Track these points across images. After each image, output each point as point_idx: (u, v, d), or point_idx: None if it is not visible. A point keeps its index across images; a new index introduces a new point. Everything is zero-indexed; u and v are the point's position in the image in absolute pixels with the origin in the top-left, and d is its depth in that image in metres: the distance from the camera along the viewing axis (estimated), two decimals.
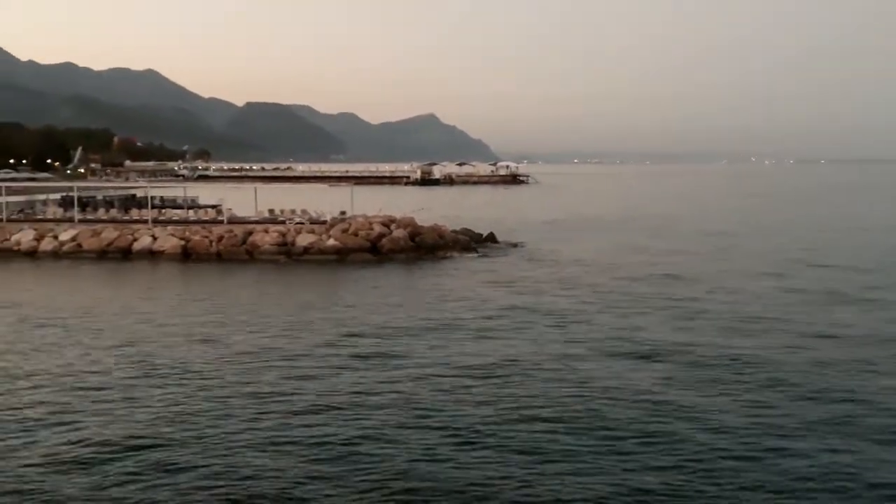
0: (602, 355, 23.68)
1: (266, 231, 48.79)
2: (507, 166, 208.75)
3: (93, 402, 18.97)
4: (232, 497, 13.79)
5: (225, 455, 15.56)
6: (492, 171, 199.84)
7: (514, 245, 53.26)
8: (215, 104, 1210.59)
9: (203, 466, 15.01)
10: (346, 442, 16.36)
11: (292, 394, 19.60)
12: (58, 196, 69.28)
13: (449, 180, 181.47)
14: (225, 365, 22.37)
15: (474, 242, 52.22)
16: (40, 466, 15.06)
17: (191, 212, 59.05)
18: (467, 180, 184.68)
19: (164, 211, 58.84)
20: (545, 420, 17.76)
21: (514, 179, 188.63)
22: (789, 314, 29.93)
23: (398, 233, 49.02)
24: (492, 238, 54.37)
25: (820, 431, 17.24)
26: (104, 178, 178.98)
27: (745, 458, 15.73)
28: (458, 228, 54.48)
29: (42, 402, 18.86)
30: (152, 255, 47.62)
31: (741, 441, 16.60)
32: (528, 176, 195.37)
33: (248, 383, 20.53)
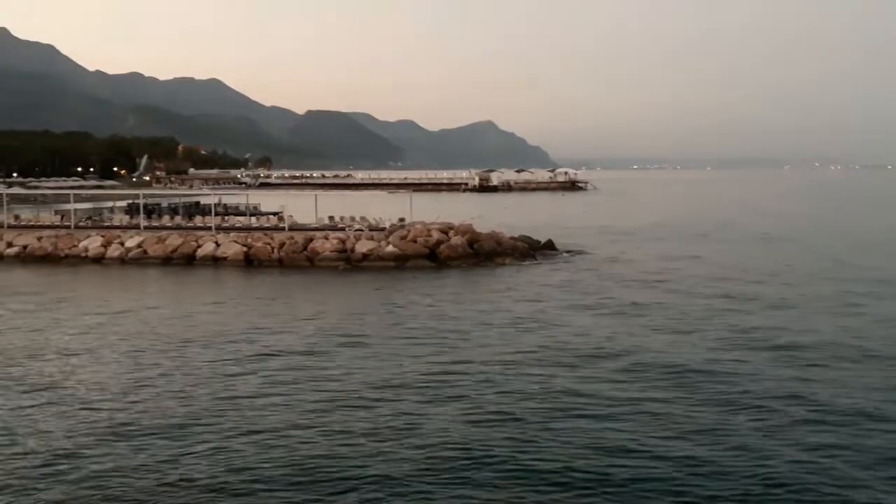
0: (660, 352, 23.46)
1: (326, 238, 49.29)
2: (566, 173, 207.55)
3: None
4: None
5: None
6: (550, 178, 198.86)
7: (574, 252, 52.98)
8: (277, 112, 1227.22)
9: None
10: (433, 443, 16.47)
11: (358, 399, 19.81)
12: (124, 203, 71.06)
13: (507, 187, 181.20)
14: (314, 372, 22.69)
15: (533, 249, 52.09)
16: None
17: (253, 219, 59.94)
18: (525, 187, 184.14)
19: (226, 218, 59.80)
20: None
21: (572, 186, 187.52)
22: None
23: (456, 240, 49.13)
24: (550, 245, 54.16)
25: None
26: (169, 185, 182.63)
27: None
28: (516, 235, 54.37)
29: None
30: (215, 261, 48.46)
31: None
32: (586, 182, 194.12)
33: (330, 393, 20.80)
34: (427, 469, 15.35)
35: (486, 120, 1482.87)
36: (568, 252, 52.96)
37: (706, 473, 15.18)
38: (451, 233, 50.21)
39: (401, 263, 46.68)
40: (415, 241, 48.59)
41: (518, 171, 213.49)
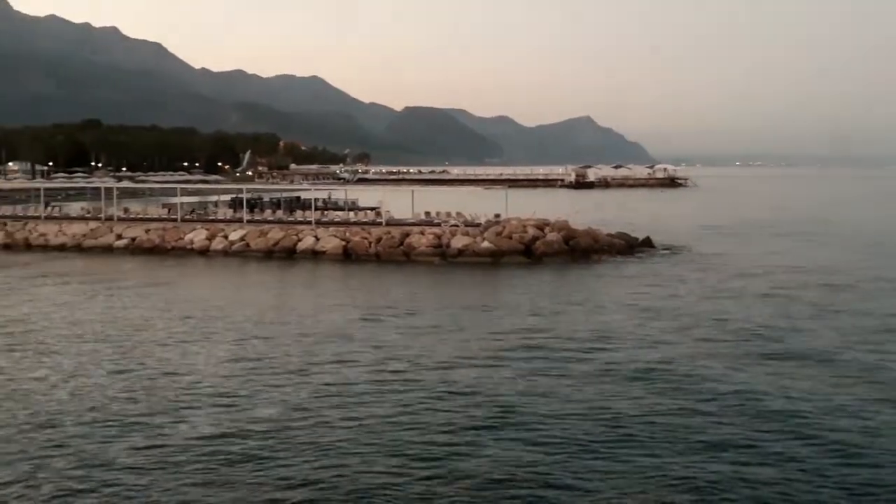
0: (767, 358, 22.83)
1: (422, 233, 49.63)
2: (665, 169, 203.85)
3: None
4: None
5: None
6: (649, 174, 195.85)
7: (673, 250, 52.02)
8: (375, 109, 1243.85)
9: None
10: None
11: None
12: (228, 198, 72.97)
13: (604, 183, 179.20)
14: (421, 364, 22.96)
15: (630, 247, 51.36)
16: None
17: (351, 213, 60.75)
18: (623, 183, 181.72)
19: (326, 212, 60.77)
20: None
21: (671, 183, 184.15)
22: None
23: (552, 236, 48.84)
24: (648, 242, 53.27)
25: None
26: (270, 180, 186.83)
27: None
28: (613, 232, 53.71)
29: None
30: (315, 254, 49.34)
31: None
32: (686, 179, 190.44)
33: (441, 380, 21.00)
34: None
35: (583, 115, 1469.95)
36: (667, 249, 52.01)
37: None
38: (547, 229, 49.95)
39: (496, 259, 46.66)
40: (510, 237, 48.51)
41: (616, 168, 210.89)
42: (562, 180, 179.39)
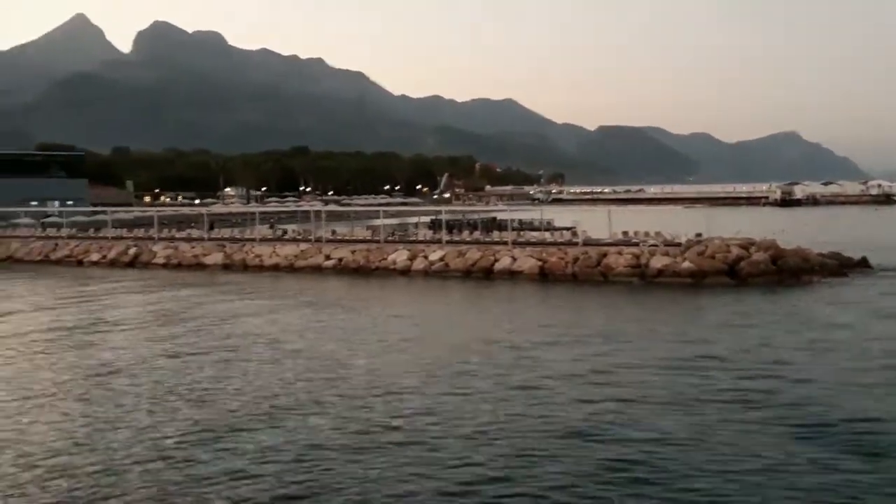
0: None
1: (620, 253, 48.99)
2: (880, 185, 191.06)
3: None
4: None
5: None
6: (861, 191, 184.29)
7: (894, 271, 48.52)
8: (569, 129, 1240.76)
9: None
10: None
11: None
12: (427, 219, 75.17)
13: (812, 201, 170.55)
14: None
15: (844, 267, 48.44)
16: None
17: (547, 234, 60.88)
18: (833, 201, 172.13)
19: (522, 233, 61.28)
20: None
21: (887, 199, 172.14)
22: None
23: (758, 256, 46.86)
24: (865, 263, 50.02)
25: None
26: (467, 202, 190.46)
27: None
28: (824, 252, 50.85)
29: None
30: (511, 275, 49.76)
31: None
32: None
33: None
34: None
35: (789, 130, 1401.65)
36: (885, 270, 48.58)
37: None
38: (753, 248, 48.00)
39: (697, 280, 45.33)
40: (713, 257, 46.98)
41: (825, 184, 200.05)
42: (766, 198, 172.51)
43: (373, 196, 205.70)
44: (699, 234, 51.66)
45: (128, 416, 19.95)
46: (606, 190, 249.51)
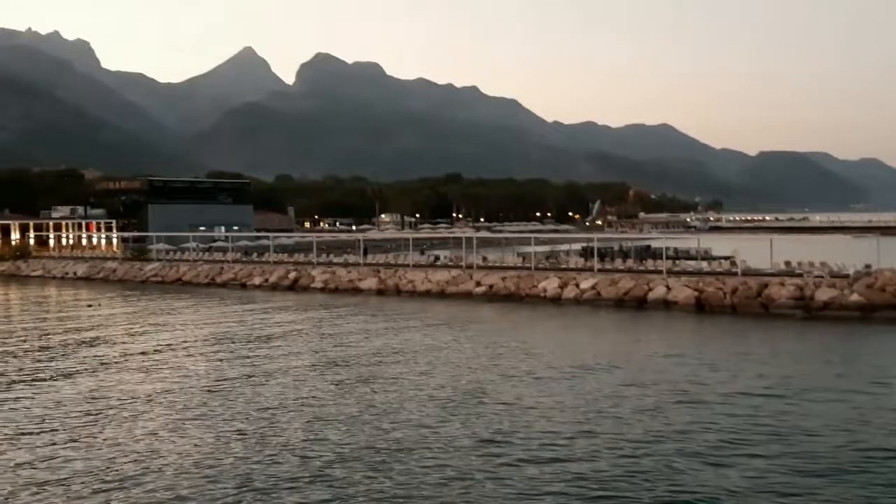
0: None
1: (782, 284, 46.82)
2: None
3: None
4: None
5: None
6: None
7: None
8: (727, 154, 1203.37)
9: None
10: None
11: None
12: (579, 246, 74.45)
13: None
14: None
15: None
16: None
17: (704, 263, 59.06)
18: None
19: (677, 262, 59.67)
20: None
21: None
22: None
23: None
24: None
25: None
26: (619, 229, 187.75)
27: None
28: None
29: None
30: (666, 304, 48.42)
31: None
32: None
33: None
34: None
35: None
36: None
37: None
38: None
39: (865, 314, 42.71)
40: (884, 290, 44.17)
41: None
42: None
43: (524, 223, 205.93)
44: (868, 266, 48.82)
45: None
46: (768, 217, 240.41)
